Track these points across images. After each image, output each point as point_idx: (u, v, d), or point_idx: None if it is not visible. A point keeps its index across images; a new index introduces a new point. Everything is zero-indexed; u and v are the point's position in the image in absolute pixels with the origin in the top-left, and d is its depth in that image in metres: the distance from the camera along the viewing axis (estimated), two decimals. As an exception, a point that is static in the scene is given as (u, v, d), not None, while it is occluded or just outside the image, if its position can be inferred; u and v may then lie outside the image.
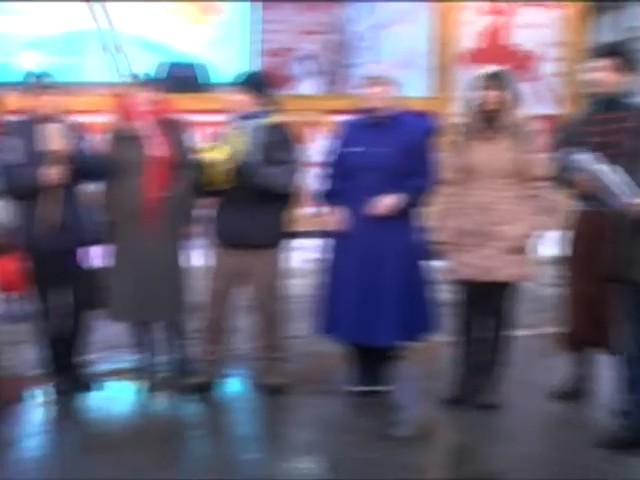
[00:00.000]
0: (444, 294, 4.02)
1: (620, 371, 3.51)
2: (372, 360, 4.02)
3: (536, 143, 3.77)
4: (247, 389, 4.17)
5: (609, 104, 3.73)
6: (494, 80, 3.72)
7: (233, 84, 3.96)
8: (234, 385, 4.18)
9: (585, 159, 3.32)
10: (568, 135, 3.84)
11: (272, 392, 4.01)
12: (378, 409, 3.89)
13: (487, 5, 6.97)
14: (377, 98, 3.80)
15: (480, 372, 3.92)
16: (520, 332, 4.20)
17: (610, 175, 3.20)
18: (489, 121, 3.73)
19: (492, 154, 3.72)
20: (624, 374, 3.46)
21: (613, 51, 3.80)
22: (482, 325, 3.90)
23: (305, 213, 4.24)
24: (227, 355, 4.12)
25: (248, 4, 8.05)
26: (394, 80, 3.86)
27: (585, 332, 3.86)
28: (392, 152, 3.76)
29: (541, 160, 3.76)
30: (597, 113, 3.78)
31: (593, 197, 3.44)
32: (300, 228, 4.19)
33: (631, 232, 3.22)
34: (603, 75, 3.72)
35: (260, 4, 8.07)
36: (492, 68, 3.84)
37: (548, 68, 7.19)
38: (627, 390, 3.45)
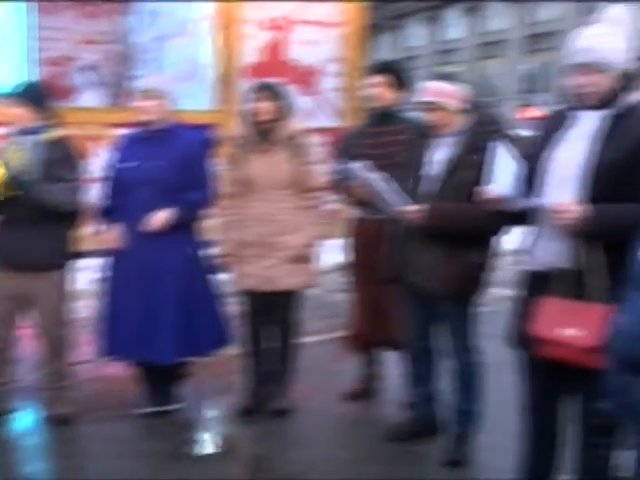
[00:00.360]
0: (233, 307, 4.02)
1: (405, 367, 3.72)
2: (160, 379, 3.94)
3: (313, 154, 3.86)
4: (33, 423, 3.90)
5: (383, 118, 3.95)
6: (265, 91, 3.78)
7: (9, 95, 3.72)
8: (19, 420, 3.89)
9: (357, 167, 3.47)
10: (345, 147, 4.02)
11: (60, 423, 3.79)
12: (171, 429, 3.81)
13: (267, 20, 7.12)
14: (150, 111, 3.73)
15: (271, 380, 3.97)
16: (310, 338, 4.32)
17: (381, 183, 3.37)
18: (264, 133, 3.78)
19: (269, 166, 3.77)
20: (409, 370, 3.67)
21: (387, 68, 4.02)
22: (269, 334, 3.96)
23: (89, 231, 4.06)
24: (9, 388, 3.84)
25: (24, 8, 7.58)
26: (167, 93, 3.80)
27: (371, 333, 4.05)
28: (166, 166, 3.71)
29: (318, 171, 3.87)
30: (371, 126, 4.00)
31: (369, 204, 3.62)
32: (85, 247, 4.01)
33: (404, 237, 3.41)
34: (378, 90, 3.93)
35: (36, 7, 7.62)
36: (264, 80, 3.91)
37: (328, 83, 7.48)
38: (412, 385, 3.67)
